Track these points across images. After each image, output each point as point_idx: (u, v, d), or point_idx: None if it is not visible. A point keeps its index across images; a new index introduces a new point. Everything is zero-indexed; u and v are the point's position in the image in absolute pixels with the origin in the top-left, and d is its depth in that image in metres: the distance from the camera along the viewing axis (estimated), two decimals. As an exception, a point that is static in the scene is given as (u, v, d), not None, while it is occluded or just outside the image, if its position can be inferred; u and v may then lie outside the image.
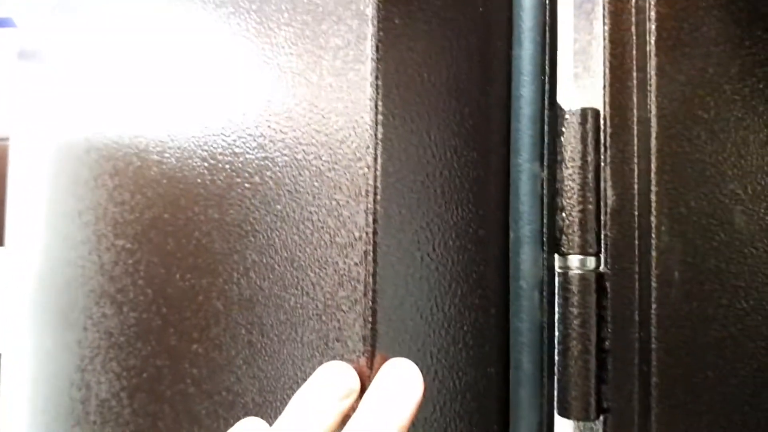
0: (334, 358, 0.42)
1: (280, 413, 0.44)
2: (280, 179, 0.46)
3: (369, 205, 0.40)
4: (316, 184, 0.43)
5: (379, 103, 0.39)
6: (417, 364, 0.40)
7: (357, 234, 0.40)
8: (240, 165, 0.50)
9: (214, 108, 0.53)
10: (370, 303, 0.39)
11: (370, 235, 0.39)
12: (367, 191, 0.40)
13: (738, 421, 0.44)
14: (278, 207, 0.47)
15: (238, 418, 0.49)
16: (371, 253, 0.39)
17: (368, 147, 0.38)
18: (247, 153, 0.49)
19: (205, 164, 0.54)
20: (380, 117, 0.39)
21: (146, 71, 0.64)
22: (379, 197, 0.40)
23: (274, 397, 0.47)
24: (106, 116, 0.68)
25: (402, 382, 0.37)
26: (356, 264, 0.40)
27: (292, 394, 0.43)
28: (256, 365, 0.48)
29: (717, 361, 0.44)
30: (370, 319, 0.39)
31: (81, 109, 0.73)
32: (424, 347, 0.42)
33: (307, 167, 0.43)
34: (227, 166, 0.52)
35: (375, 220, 0.40)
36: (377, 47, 0.39)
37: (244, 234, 0.50)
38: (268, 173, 0.47)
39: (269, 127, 0.47)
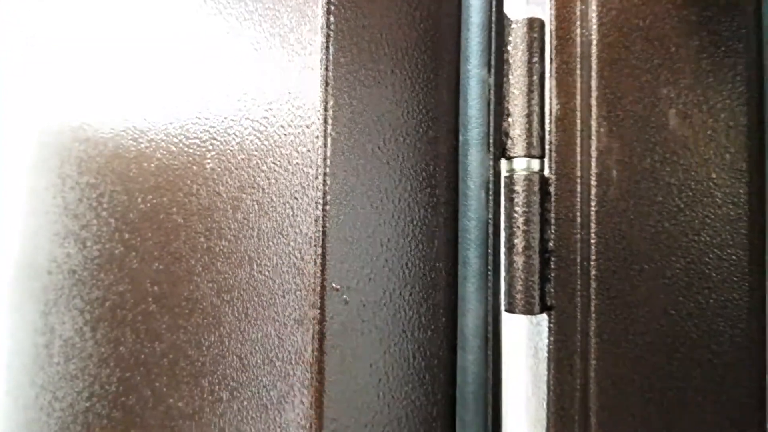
0: (288, 244, 0.43)
1: (238, 310, 0.46)
2: (230, 88, 0.48)
3: (321, 94, 0.41)
4: (267, 75, 0.44)
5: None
6: (367, 250, 0.42)
7: (309, 120, 0.42)
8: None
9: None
10: (321, 185, 0.41)
11: (321, 122, 0.41)
12: (319, 81, 0.42)
13: (673, 311, 0.47)
14: (234, 108, 0.48)
15: (198, 325, 0.51)
16: (322, 138, 0.41)
17: (320, 32, 0.40)
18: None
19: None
20: (332, 7, 0.41)
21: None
22: (330, 87, 0.42)
23: (231, 295, 0.48)
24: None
25: None
26: (308, 150, 0.42)
27: (249, 287, 0.45)
28: (215, 269, 0.50)
29: (653, 255, 0.47)
30: (320, 201, 0.41)
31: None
32: (374, 234, 0.44)
33: (260, 63, 0.45)
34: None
35: (326, 108, 0.41)
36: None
37: (202, 143, 0.52)
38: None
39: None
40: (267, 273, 0.45)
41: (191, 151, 0.53)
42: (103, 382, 0.64)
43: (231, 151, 0.48)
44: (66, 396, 0.71)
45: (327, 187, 0.41)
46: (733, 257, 0.47)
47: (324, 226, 0.41)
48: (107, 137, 0.65)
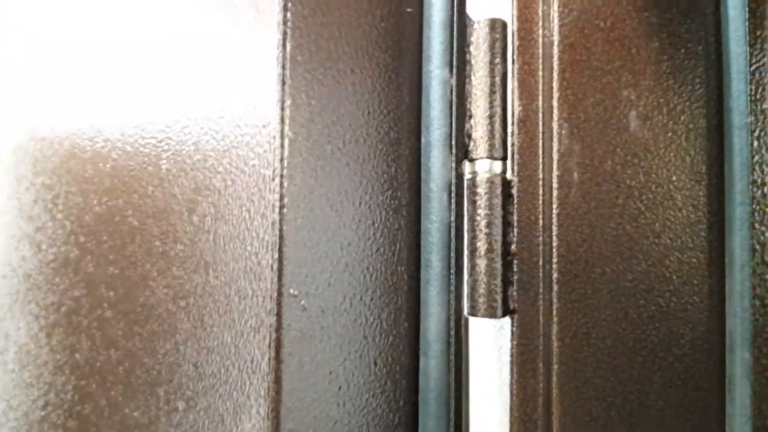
0: (245, 248, 0.42)
1: (194, 317, 0.44)
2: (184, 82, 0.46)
3: (278, 92, 0.40)
4: (222, 75, 0.43)
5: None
6: (326, 254, 0.41)
7: (265, 120, 0.41)
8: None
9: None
10: (278, 187, 0.40)
11: (278, 122, 0.40)
12: (276, 80, 0.40)
13: (634, 314, 0.47)
14: (189, 107, 0.47)
15: (153, 332, 0.49)
16: (279, 138, 0.40)
17: (277, 28, 0.39)
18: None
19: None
20: (289, 3, 0.40)
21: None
22: (287, 86, 0.40)
23: (187, 301, 0.47)
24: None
25: None
26: (265, 151, 0.41)
27: (205, 293, 0.43)
28: (170, 274, 0.48)
29: (614, 258, 0.47)
30: (277, 204, 0.40)
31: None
32: (333, 238, 0.43)
33: (216, 59, 0.44)
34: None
35: (282, 108, 0.40)
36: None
37: (158, 143, 0.50)
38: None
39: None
40: (223, 278, 0.44)
41: (147, 151, 0.51)
42: (59, 390, 0.62)
43: (186, 151, 0.47)
44: (21, 405, 0.69)
45: (284, 190, 0.40)
46: (693, 260, 0.47)
47: (281, 230, 0.40)
48: (63, 137, 0.63)
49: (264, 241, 0.41)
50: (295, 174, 0.41)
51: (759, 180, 0.45)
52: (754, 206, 0.45)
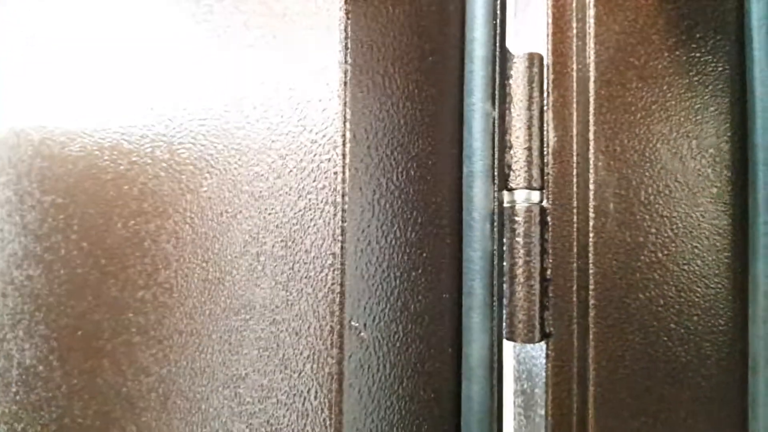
0: (301, 279, 0.43)
1: (244, 346, 0.45)
2: (241, 112, 0.47)
3: (339, 130, 0.41)
4: (285, 110, 0.44)
5: (349, 29, 0.41)
6: (382, 285, 0.42)
7: (327, 155, 0.41)
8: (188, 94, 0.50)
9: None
10: (339, 221, 0.41)
11: (339, 156, 0.41)
12: (336, 114, 0.41)
13: (665, 337, 0.49)
14: (238, 139, 0.47)
15: (192, 360, 0.49)
16: (341, 173, 0.41)
17: (339, 67, 0.40)
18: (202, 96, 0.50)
19: (150, 103, 0.53)
20: (350, 43, 0.41)
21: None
22: (348, 121, 0.41)
23: (240, 335, 0.47)
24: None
25: None
26: (323, 187, 0.42)
27: (256, 330, 0.44)
28: (212, 300, 0.49)
29: (647, 285, 0.49)
30: (339, 237, 0.41)
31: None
32: (388, 269, 0.44)
33: (279, 97, 0.44)
34: (170, 106, 0.51)
35: (344, 143, 0.41)
36: (348, -22, 0.41)
37: (198, 171, 0.50)
38: (226, 112, 0.48)
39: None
40: (278, 316, 0.44)
41: (184, 177, 0.51)
42: (76, 414, 0.61)
43: (231, 180, 0.47)
44: (27, 427, 0.68)
45: (345, 224, 0.41)
46: (719, 286, 0.49)
47: (343, 263, 0.41)
48: (76, 156, 0.62)
49: (324, 274, 0.42)
50: (355, 208, 0.42)
51: (784, 212, 0.48)
52: (778, 236, 0.48)
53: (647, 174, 0.49)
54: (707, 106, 0.49)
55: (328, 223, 0.41)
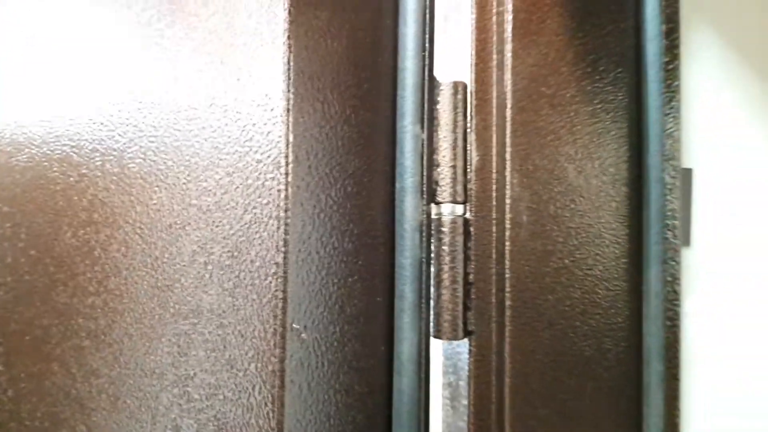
0: (247, 287, 0.47)
1: (192, 348, 0.49)
2: (190, 131, 0.51)
3: (283, 151, 0.46)
4: (232, 131, 0.48)
5: (291, 61, 0.46)
6: (320, 290, 0.47)
7: (271, 174, 0.46)
8: (144, 116, 0.54)
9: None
10: (283, 235, 0.46)
11: (282, 175, 0.46)
12: (280, 138, 0.46)
13: (571, 334, 0.56)
14: (187, 156, 0.51)
15: (142, 362, 0.53)
16: (283, 191, 0.45)
17: (281, 96, 0.45)
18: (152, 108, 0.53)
19: (101, 118, 0.56)
20: (292, 73, 0.45)
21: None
22: (290, 144, 0.46)
23: (188, 338, 0.51)
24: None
25: None
26: (268, 203, 0.46)
27: (203, 333, 0.48)
28: (161, 306, 0.52)
29: (556, 287, 0.56)
30: (282, 249, 0.46)
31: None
32: (327, 276, 0.49)
33: (226, 119, 0.48)
34: (127, 119, 0.55)
35: (287, 163, 0.46)
36: (289, 11, 0.46)
37: (148, 185, 0.54)
38: (178, 127, 0.51)
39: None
40: (224, 320, 0.48)
41: (134, 190, 0.54)
42: (24, 417, 0.63)
43: (182, 188, 0.51)
44: (-29, 430, 0.69)
45: (288, 236, 0.46)
46: (618, 288, 0.57)
47: (285, 272, 0.45)
48: (24, 166, 0.64)
49: (268, 282, 0.46)
50: (297, 222, 0.46)
51: (671, 224, 0.56)
52: (666, 246, 0.55)
53: (556, 190, 0.56)
54: (609, 130, 0.56)
55: (272, 236, 0.46)
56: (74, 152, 0.59)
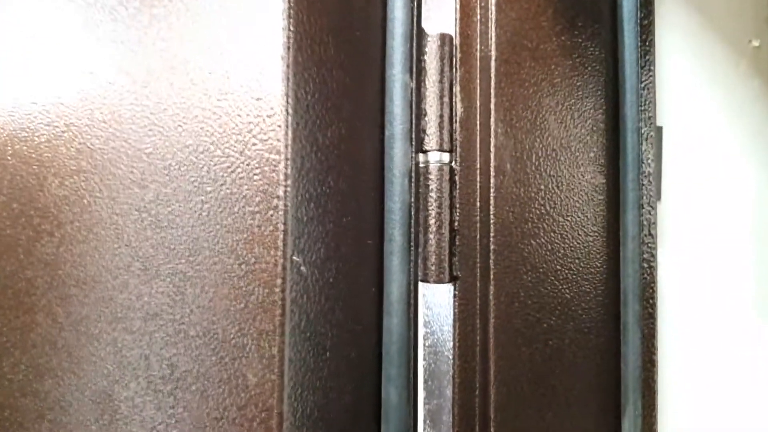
0: (247, 219, 0.48)
1: (189, 285, 0.49)
2: (186, 72, 0.51)
3: (282, 89, 0.47)
4: (231, 73, 0.49)
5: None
6: (318, 227, 0.49)
7: (271, 111, 0.47)
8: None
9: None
10: (284, 168, 0.47)
11: (283, 112, 0.47)
12: (281, 76, 0.47)
13: (552, 277, 0.58)
14: (183, 99, 0.52)
15: (136, 304, 0.53)
16: (284, 127, 0.47)
17: (282, 34, 0.46)
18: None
19: (90, 68, 0.57)
20: (292, 11, 0.47)
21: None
22: (290, 81, 0.47)
23: (185, 276, 0.51)
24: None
25: None
26: (269, 138, 0.47)
27: (204, 265, 0.49)
28: (159, 244, 0.53)
29: (538, 233, 0.58)
30: (283, 182, 0.47)
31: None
32: (323, 214, 0.50)
33: (229, 60, 0.49)
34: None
35: (287, 102, 0.47)
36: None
37: (140, 130, 0.54)
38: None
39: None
40: (227, 251, 0.49)
41: (126, 136, 0.55)
42: (5, 372, 0.63)
43: (178, 136, 0.52)
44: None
45: (288, 171, 0.47)
46: (596, 233, 0.59)
47: (286, 206, 0.47)
48: (5, 118, 0.63)
49: (270, 215, 0.47)
50: (296, 157, 0.48)
51: (646, 171, 0.59)
52: (642, 191, 0.58)
53: (538, 139, 0.58)
54: (587, 83, 0.59)
55: (274, 170, 0.47)
56: (60, 102, 0.59)
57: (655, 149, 0.62)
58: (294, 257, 0.47)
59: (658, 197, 0.64)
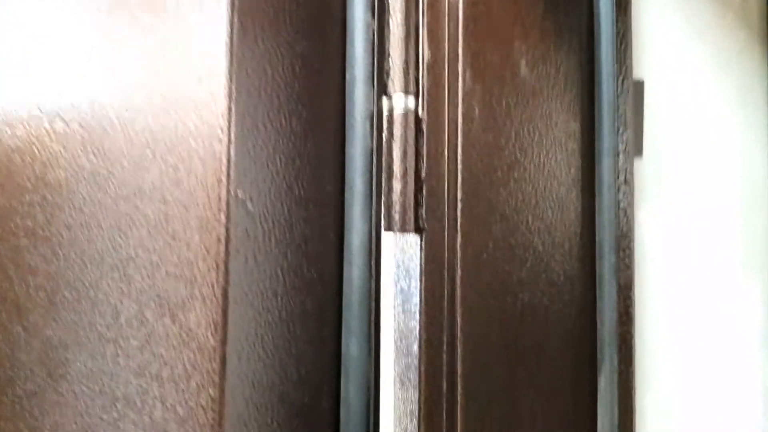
0: (190, 156, 0.46)
1: (134, 228, 0.47)
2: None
3: (226, 11, 0.45)
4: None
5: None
6: (267, 164, 0.46)
7: (212, 37, 0.45)
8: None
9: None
10: (226, 99, 0.44)
11: (225, 39, 0.45)
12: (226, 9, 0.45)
13: (523, 228, 0.55)
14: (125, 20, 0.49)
15: (81, 251, 0.51)
16: (226, 55, 0.44)
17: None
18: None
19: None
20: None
21: None
22: (236, 6, 0.45)
23: (129, 219, 0.49)
24: None
25: None
26: (210, 64, 0.45)
27: (148, 207, 0.46)
28: (101, 191, 0.50)
29: (507, 181, 0.55)
30: (225, 115, 0.44)
31: None
32: (274, 152, 0.48)
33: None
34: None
35: (232, 31, 0.45)
36: None
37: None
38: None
39: None
40: (170, 184, 0.47)
41: (77, 82, 0.53)
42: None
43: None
44: None
45: (232, 103, 0.45)
46: (569, 181, 0.57)
47: (230, 137, 0.44)
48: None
49: (213, 148, 0.45)
50: (241, 89, 0.45)
51: (622, 117, 0.56)
52: (618, 140, 0.56)
53: (508, 85, 0.56)
54: (560, 28, 0.57)
55: (215, 100, 0.45)
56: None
57: (635, 103, 0.60)
58: (238, 192, 0.45)
59: (639, 153, 0.61)
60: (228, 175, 0.44)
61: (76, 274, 0.52)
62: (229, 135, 0.44)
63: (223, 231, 0.44)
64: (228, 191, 0.44)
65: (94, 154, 0.51)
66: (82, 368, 0.50)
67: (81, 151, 0.52)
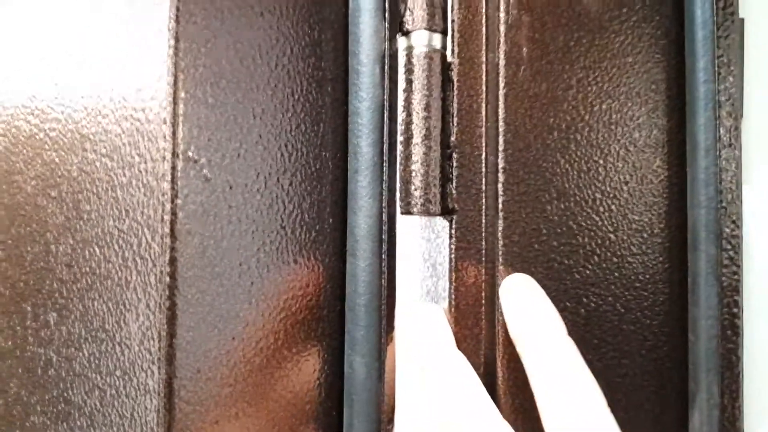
0: (132, 108, 0.34)
1: (68, 205, 0.36)
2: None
3: None
4: None
5: None
6: (234, 117, 0.34)
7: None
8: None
9: None
10: (173, 25, 0.32)
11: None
12: None
13: (588, 210, 0.41)
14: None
15: (18, 237, 0.40)
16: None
17: None
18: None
19: None
20: None
21: None
22: None
23: (59, 189, 0.38)
24: None
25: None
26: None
27: (82, 173, 0.35)
28: (40, 159, 0.39)
29: (567, 146, 0.41)
30: (172, 47, 0.32)
31: None
32: (243, 102, 0.35)
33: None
34: None
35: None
36: None
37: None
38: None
39: None
40: (104, 149, 0.35)
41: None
42: None
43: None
44: None
45: (177, 29, 0.32)
46: (651, 146, 0.42)
47: (175, 76, 0.32)
48: None
49: (156, 93, 0.33)
50: (188, 25, 0.33)
51: (724, 61, 0.41)
52: (718, 88, 0.41)
53: (566, 15, 0.42)
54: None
55: (161, 28, 0.32)
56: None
57: (737, 43, 0.45)
58: (190, 152, 0.33)
59: (740, 113, 0.46)
60: (173, 127, 0.32)
61: (13, 266, 0.41)
62: (175, 80, 0.32)
63: (169, 204, 0.32)
64: (173, 149, 0.32)
65: (28, 112, 0.40)
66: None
67: (14, 116, 0.41)
